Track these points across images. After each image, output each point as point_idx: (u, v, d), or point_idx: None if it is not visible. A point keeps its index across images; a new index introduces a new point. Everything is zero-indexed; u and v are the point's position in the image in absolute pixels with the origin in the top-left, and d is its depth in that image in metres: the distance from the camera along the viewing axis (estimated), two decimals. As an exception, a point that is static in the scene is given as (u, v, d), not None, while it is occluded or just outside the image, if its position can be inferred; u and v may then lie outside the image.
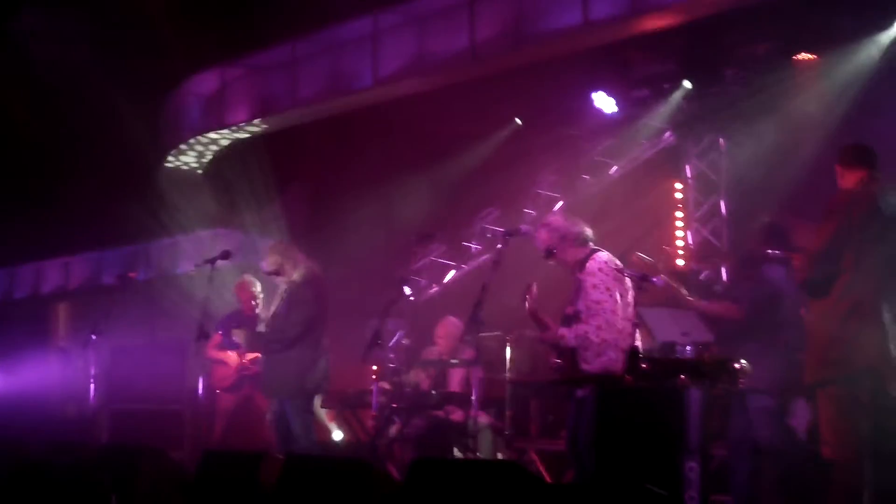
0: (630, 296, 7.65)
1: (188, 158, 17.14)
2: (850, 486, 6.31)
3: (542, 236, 7.95)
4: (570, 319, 7.66)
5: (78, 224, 18.99)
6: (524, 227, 8.36)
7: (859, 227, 6.49)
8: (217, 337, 11.10)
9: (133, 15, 15.40)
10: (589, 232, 7.94)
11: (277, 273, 9.64)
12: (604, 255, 7.76)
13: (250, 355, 10.99)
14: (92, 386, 11.71)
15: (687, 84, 12.09)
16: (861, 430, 6.35)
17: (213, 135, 16.33)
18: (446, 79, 13.33)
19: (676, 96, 12.28)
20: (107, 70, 16.29)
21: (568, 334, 7.60)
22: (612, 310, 7.54)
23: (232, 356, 11.28)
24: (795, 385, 7.61)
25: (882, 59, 10.62)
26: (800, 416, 8.26)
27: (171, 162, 17.12)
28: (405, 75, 13.60)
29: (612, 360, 7.37)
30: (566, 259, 7.88)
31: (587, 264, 7.68)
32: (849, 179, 6.78)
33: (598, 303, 7.53)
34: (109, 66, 16.39)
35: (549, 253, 7.91)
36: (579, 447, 7.57)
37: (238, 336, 10.01)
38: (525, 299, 7.80)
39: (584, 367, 7.52)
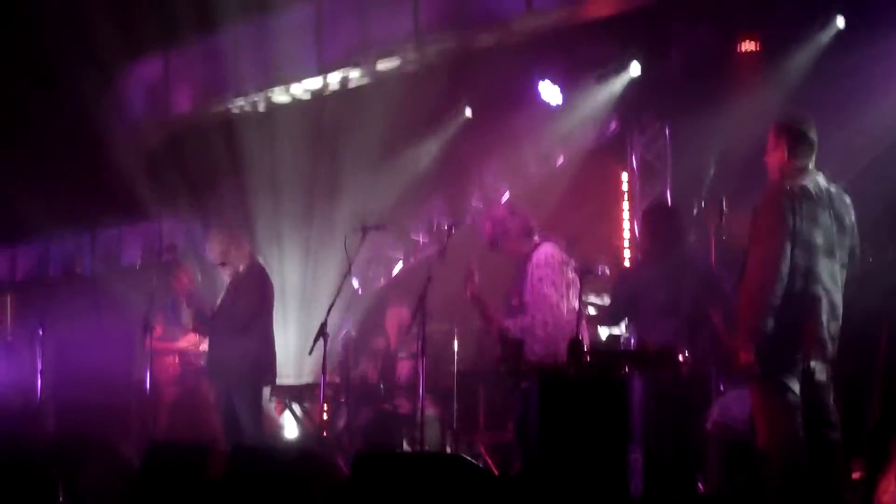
0: (575, 287, 7.68)
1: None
2: (785, 475, 6.27)
3: (487, 229, 8.00)
4: (515, 311, 7.70)
5: (23, 214, 18.76)
6: (469, 219, 8.41)
7: (792, 216, 6.30)
8: (161, 328, 10.99)
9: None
10: (533, 223, 7.98)
11: (223, 261, 9.50)
12: (549, 246, 7.80)
13: (196, 341, 10.94)
14: (38, 379, 11.63)
15: (632, 72, 12.11)
16: (792, 421, 6.26)
17: (157, 122, 16.13)
18: (390, 65, 13.27)
19: (621, 84, 12.29)
20: (51, 53, 16.08)
21: (512, 326, 7.64)
22: (557, 303, 7.59)
23: (179, 342, 11.26)
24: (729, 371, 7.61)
25: (824, 53, 10.68)
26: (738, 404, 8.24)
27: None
28: (349, 62, 13.51)
29: (558, 352, 7.40)
30: (511, 251, 7.93)
31: (533, 256, 7.72)
32: (775, 155, 6.62)
33: (544, 296, 7.58)
34: (54, 48, 16.18)
35: (494, 245, 7.96)
36: (528, 437, 7.61)
37: (186, 316, 9.83)
38: (466, 283, 7.84)
39: (530, 358, 7.56)
